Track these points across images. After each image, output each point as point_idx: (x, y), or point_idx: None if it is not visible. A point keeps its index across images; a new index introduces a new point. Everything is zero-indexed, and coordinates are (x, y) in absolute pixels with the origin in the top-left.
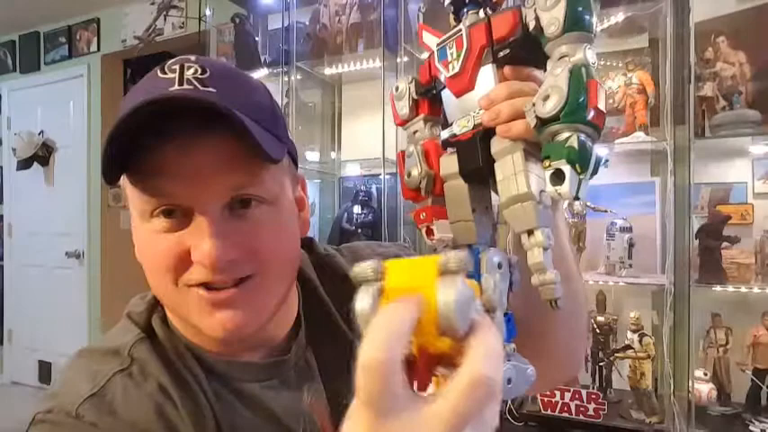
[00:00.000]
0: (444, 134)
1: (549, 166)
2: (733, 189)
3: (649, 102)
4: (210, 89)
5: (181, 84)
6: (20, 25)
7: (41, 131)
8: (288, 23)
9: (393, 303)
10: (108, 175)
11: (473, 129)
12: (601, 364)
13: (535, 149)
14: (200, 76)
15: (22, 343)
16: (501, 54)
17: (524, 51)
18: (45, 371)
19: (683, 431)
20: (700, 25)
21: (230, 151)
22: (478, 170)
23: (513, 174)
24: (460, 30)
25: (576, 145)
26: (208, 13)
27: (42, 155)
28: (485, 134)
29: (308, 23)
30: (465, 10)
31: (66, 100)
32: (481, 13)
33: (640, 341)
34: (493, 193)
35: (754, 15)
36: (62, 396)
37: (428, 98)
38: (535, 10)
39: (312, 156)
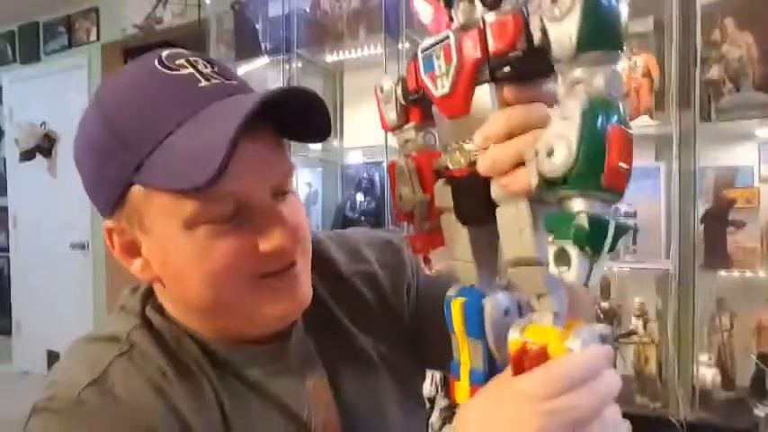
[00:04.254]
0: (437, 161)
1: (553, 242)
2: (739, 173)
3: (654, 85)
4: (234, 81)
5: (208, 79)
6: (19, 15)
7: (43, 123)
8: (288, 10)
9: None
10: (214, 181)
11: (468, 167)
12: None
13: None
14: (216, 71)
15: (30, 333)
16: (503, 72)
17: (530, 66)
18: (54, 360)
19: (688, 416)
20: (706, 7)
21: (275, 140)
22: (478, 216)
23: (518, 229)
24: (448, 36)
25: (585, 224)
26: (207, 0)
27: (45, 146)
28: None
29: (308, 10)
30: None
31: (67, 90)
32: (477, 4)
33: (644, 326)
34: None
35: None
36: (62, 383)
37: (418, 104)
38: (541, 18)
39: (314, 144)
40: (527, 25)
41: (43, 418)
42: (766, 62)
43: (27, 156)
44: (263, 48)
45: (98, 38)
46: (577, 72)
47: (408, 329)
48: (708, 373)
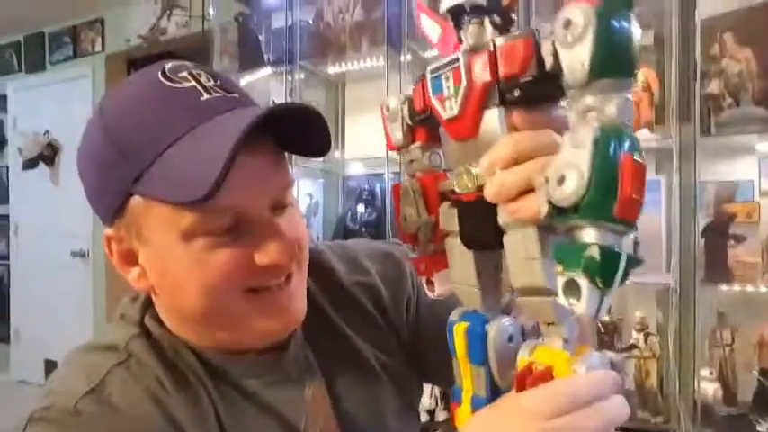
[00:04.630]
0: (443, 184)
1: (563, 273)
2: (739, 187)
3: (654, 99)
4: (235, 94)
5: (209, 93)
6: (25, 26)
7: (47, 131)
8: (291, 22)
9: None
10: (210, 196)
11: (476, 191)
12: None
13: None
14: (218, 84)
15: (29, 342)
16: (510, 96)
17: (541, 91)
18: (52, 369)
19: (689, 431)
20: (705, 22)
21: (275, 154)
22: (484, 241)
23: (527, 258)
24: (458, 58)
25: (597, 255)
26: (211, 11)
27: (48, 155)
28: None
29: (311, 22)
30: (466, 19)
31: (71, 100)
32: (487, 26)
33: (645, 340)
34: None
35: (761, 11)
36: (59, 393)
37: (425, 125)
38: (554, 43)
39: (307, 158)
40: (538, 50)
41: (39, 427)
42: (765, 77)
43: (30, 164)
44: (266, 59)
45: (103, 48)
46: (589, 99)
47: (407, 343)
48: (709, 388)
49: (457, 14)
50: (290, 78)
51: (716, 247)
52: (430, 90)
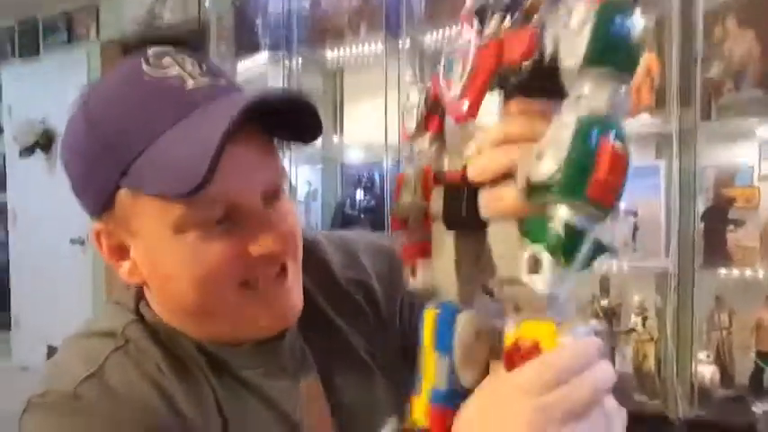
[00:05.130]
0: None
1: (527, 248)
2: (739, 172)
3: (655, 83)
4: (222, 80)
5: (195, 80)
6: (18, 11)
7: (43, 119)
8: (288, 7)
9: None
10: (200, 188)
11: (463, 170)
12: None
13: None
14: (204, 70)
15: (30, 328)
16: (511, 81)
17: (540, 80)
18: (53, 355)
19: (686, 413)
20: (708, 4)
21: (265, 142)
22: (465, 222)
23: (506, 250)
24: (470, 42)
25: (561, 230)
26: None
27: (44, 142)
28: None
29: (308, 7)
30: (489, 14)
31: (66, 87)
32: (507, 22)
33: (644, 324)
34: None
35: None
36: (57, 379)
37: (439, 114)
38: (555, 32)
39: (297, 144)
40: (542, 40)
41: (38, 413)
42: (767, 60)
43: (26, 152)
44: (263, 45)
45: (98, 34)
46: (584, 87)
47: (398, 339)
48: (707, 371)
49: (483, 15)
50: (287, 64)
51: (715, 232)
52: (442, 72)
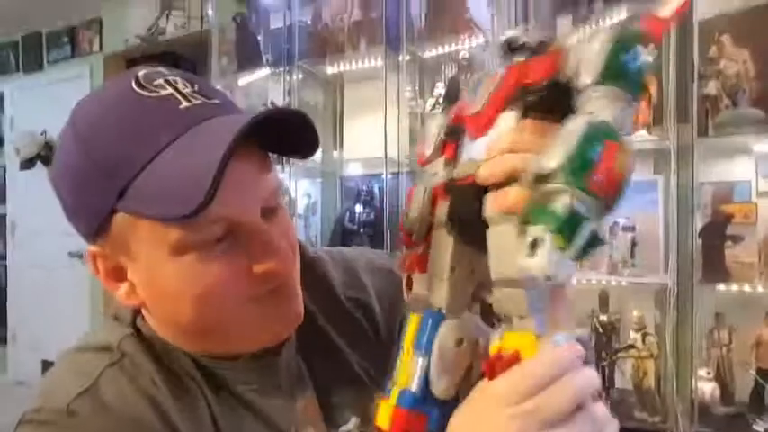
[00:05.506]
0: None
1: (529, 232)
2: (736, 188)
3: (652, 100)
4: (216, 100)
5: (189, 100)
6: (22, 25)
7: (44, 131)
8: (290, 22)
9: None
10: (201, 210)
11: (471, 176)
12: (603, 363)
13: None
14: (196, 90)
15: (26, 342)
16: (528, 100)
17: (554, 102)
18: (48, 371)
19: (686, 430)
20: (703, 23)
21: (261, 158)
22: (468, 222)
23: (506, 250)
24: (501, 68)
25: (560, 209)
26: (210, 12)
27: (45, 155)
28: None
29: (309, 22)
30: (515, 55)
31: (69, 100)
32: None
33: (643, 340)
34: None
35: (759, 13)
36: (51, 394)
37: (455, 140)
38: (576, 54)
39: (293, 158)
40: (563, 63)
41: (31, 429)
42: (762, 78)
43: (27, 164)
44: (264, 59)
45: (101, 48)
46: (594, 104)
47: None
48: (707, 388)
49: (510, 50)
50: (288, 79)
51: (713, 248)
52: (468, 95)
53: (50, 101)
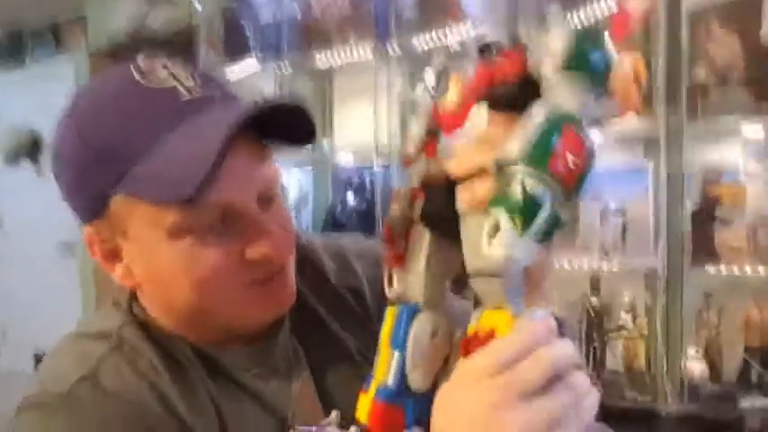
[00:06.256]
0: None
1: (489, 215)
2: (725, 171)
3: (642, 85)
4: (215, 88)
5: (189, 89)
6: (5, 21)
7: (29, 127)
8: (278, 13)
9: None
10: (199, 194)
11: (445, 172)
12: (594, 345)
13: None
14: (196, 78)
15: (17, 335)
16: (498, 94)
17: (523, 95)
18: (40, 361)
19: (676, 408)
20: (692, 8)
21: (259, 146)
22: (442, 217)
23: (477, 242)
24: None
25: (518, 191)
26: (197, 5)
27: (31, 151)
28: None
29: (298, 15)
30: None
31: (54, 95)
32: None
33: (634, 322)
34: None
35: None
36: (51, 380)
37: (434, 139)
38: (540, 47)
39: (291, 147)
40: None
41: (32, 414)
42: (750, 63)
43: (12, 160)
44: (253, 52)
45: (86, 44)
46: (559, 95)
47: None
48: (696, 367)
49: (485, 52)
50: (277, 71)
51: (703, 231)
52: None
53: (35, 96)
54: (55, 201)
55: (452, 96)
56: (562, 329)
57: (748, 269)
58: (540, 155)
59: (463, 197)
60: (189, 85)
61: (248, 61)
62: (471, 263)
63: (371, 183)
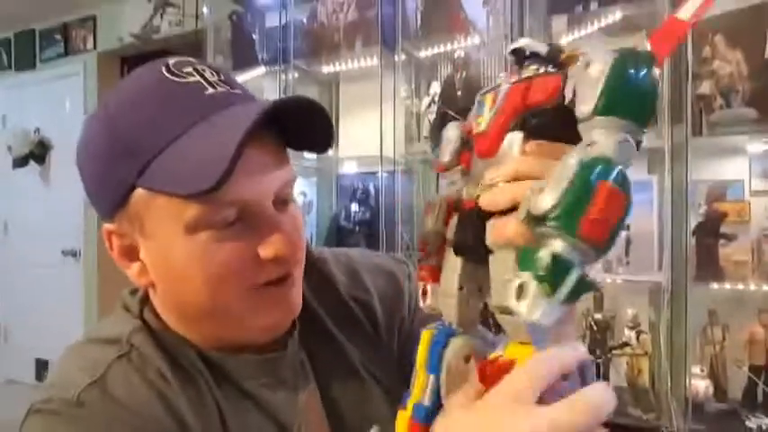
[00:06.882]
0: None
1: (517, 275)
2: (730, 187)
3: None
4: (238, 90)
5: (214, 87)
6: (15, 23)
7: (37, 129)
8: (285, 21)
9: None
10: (218, 187)
11: (476, 199)
12: (598, 361)
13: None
14: (222, 79)
15: (19, 341)
16: (532, 122)
17: (559, 125)
18: (42, 369)
19: (680, 427)
20: (697, 24)
21: (278, 149)
22: (472, 249)
23: (504, 279)
24: (500, 85)
25: (547, 258)
26: (205, 10)
27: (38, 153)
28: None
29: (305, 21)
30: (526, 63)
31: (62, 98)
32: (542, 71)
33: (637, 338)
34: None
35: (752, 14)
36: (60, 385)
37: (470, 150)
38: (574, 79)
39: (309, 153)
40: (564, 86)
41: (40, 419)
42: (755, 78)
43: (20, 162)
44: (260, 58)
45: (95, 46)
46: (594, 134)
47: (396, 357)
48: (700, 385)
49: (519, 60)
50: (283, 77)
51: (707, 246)
52: (475, 109)
53: (44, 99)
54: (60, 207)
55: (486, 118)
56: (584, 373)
57: (753, 285)
58: (571, 215)
59: (492, 233)
60: (213, 81)
61: (255, 68)
62: (497, 300)
63: (376, 191)
